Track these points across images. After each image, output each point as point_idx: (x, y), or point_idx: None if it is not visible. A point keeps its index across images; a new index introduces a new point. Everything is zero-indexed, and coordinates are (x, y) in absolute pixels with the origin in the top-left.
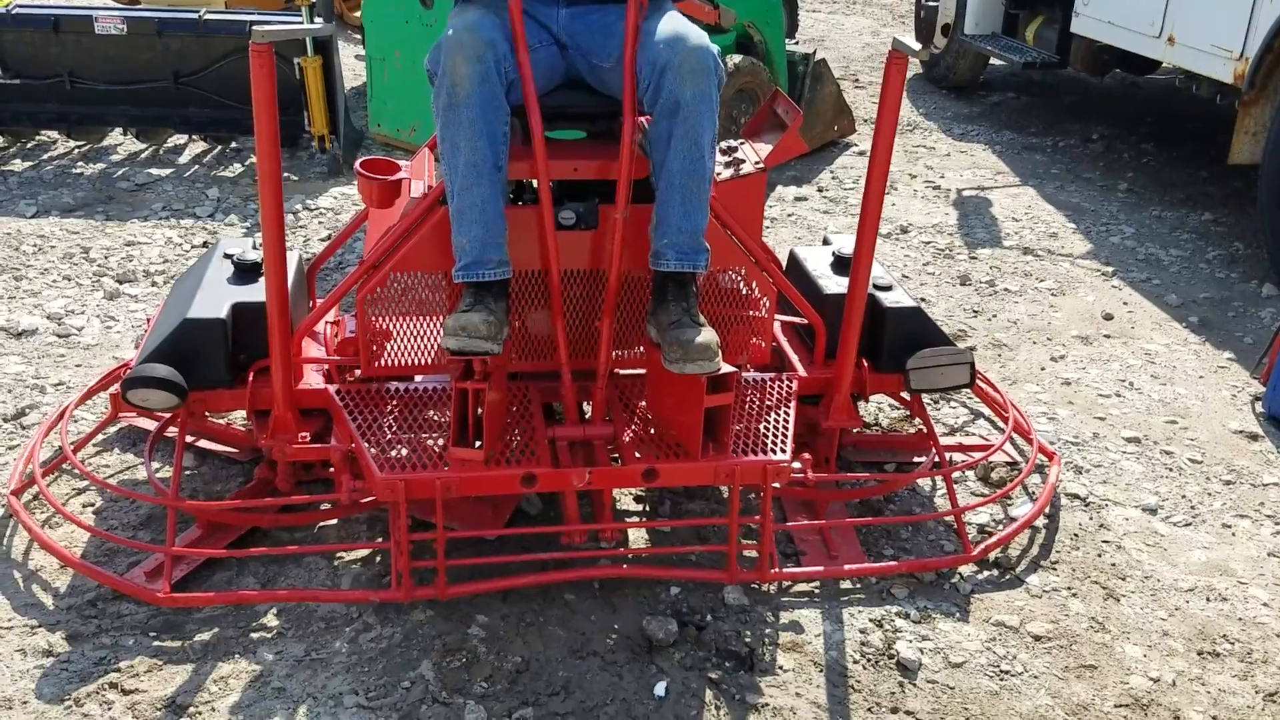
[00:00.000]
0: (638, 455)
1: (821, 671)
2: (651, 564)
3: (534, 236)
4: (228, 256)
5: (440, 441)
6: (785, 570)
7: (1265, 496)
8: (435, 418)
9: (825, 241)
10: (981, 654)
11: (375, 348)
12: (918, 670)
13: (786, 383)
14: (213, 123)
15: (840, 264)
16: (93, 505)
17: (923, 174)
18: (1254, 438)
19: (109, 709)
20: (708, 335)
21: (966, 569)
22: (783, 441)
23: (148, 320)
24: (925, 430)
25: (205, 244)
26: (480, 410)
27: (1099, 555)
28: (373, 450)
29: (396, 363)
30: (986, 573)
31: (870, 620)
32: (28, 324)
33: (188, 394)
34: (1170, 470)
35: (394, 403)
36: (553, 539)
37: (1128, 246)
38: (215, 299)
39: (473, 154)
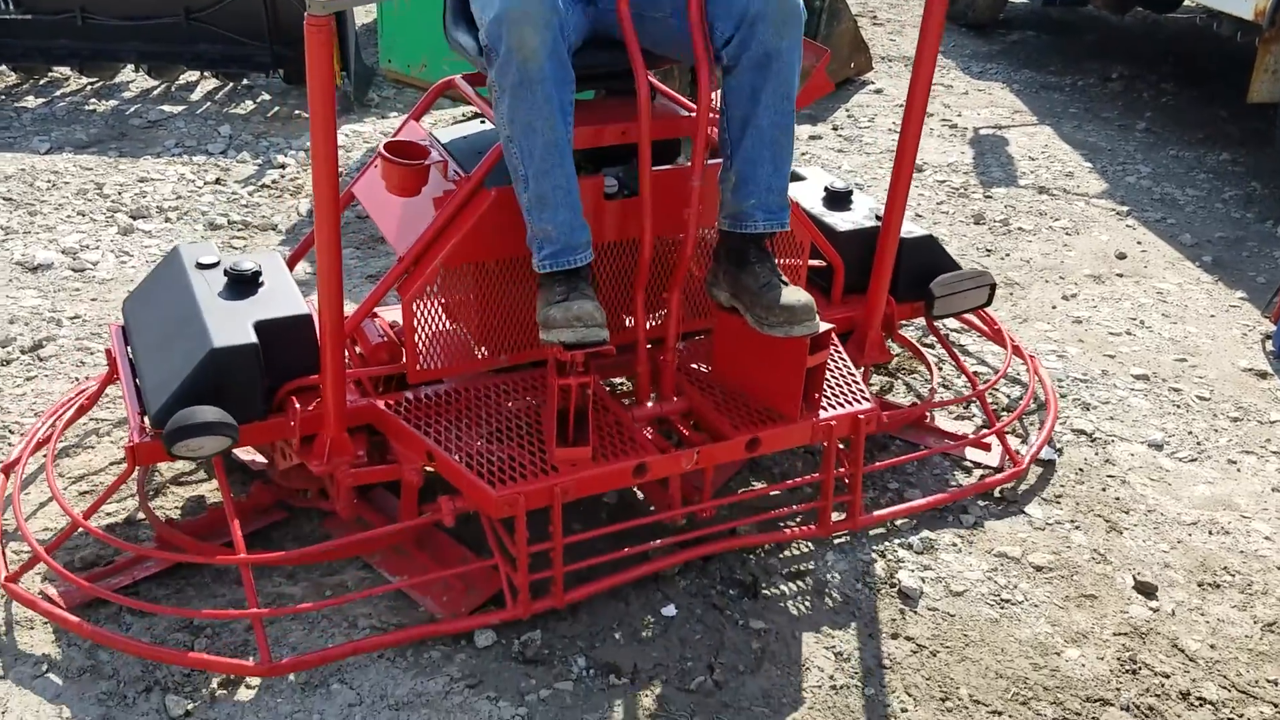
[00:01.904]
0: (734, 427)
1: (823, 599)
2: (752, 533)
3: (588, 210)
4: (205, 267)
5: (523, 444)
6: (873, 514)
7: (1272, 433)
8: (497, 418)
9: (795, 177)
10: (983, 583)
11: (426, 351)
12: (918, 598)
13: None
14: (225, 59)
15: (833, 198)
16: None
17: (939, 112)
18: (1263, 375)
19: None
20: (803, 295)
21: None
22: (859, 389)
23: (108, 353)
24: (950, 356)
25: (218, 180)
26: (582, 405)
27: (1103, 489)
28: (465, 463)
29: (445, 364)
30: (990, 505)
31: (874, 551)
32: (43, 258)
33: (238, 431)
34: (1178, 407)
35: (447, 408)
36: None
37: (1143, 186)
38: (230, 321)
39: (550, 134)
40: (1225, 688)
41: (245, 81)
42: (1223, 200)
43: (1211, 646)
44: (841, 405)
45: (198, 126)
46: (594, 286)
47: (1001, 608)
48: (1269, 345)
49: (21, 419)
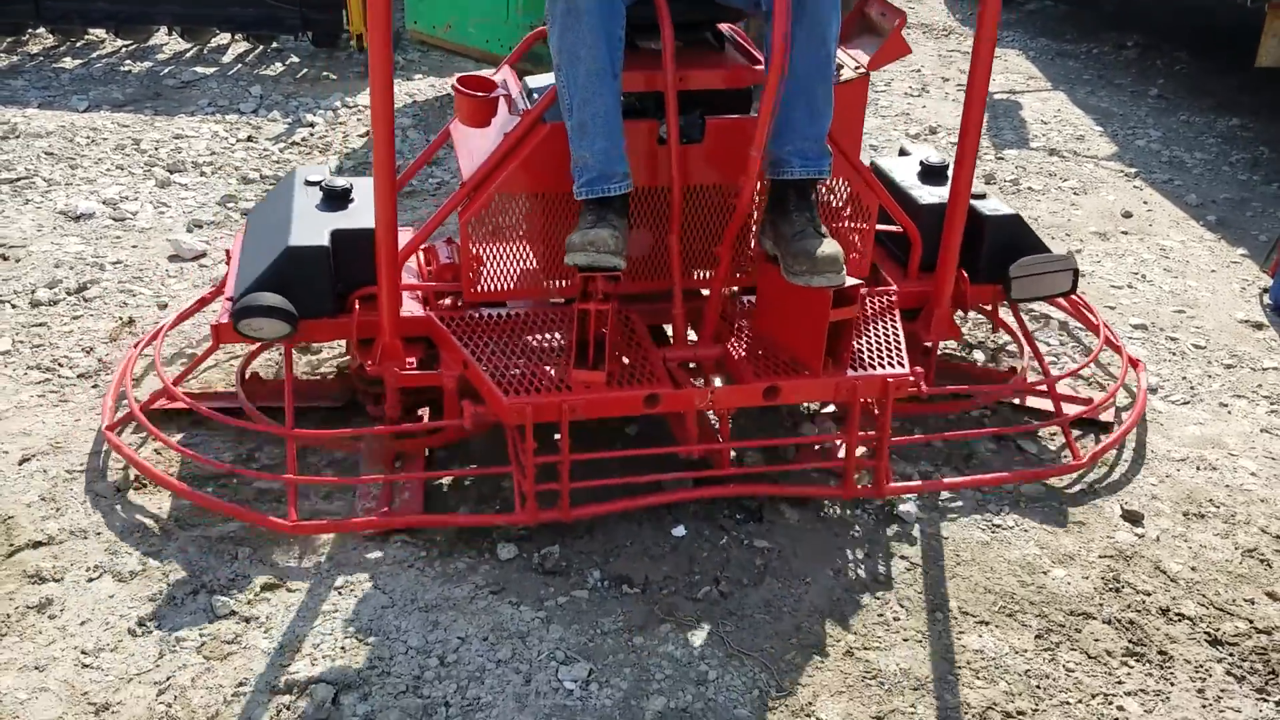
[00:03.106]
0: (755, 374)
1: (824, 523)
2: (768, 481)
3: (639, 152)
4: (311, 184)
5: (554, 365)
6: (900, 485)
7: (1264, 379)
8: (542, 341)
9: (902, 152)
10: (975, 511)
11: (478, 272)
12: (914, 523)
13: (889, 297)
14: (255, 22)
15: (929, 173)
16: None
17: (955, 78)
18: (1258, 326)
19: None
20: (833, 246)
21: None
22: (898, 354)
23: (227, 253)
24: (1023, 342)
25: (250, 138)
26: (602, 332)
27: (1096, 429)
28: (492, 375)
29: (499, 287)
30: (987, 442)
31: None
32: (85, 208)
33: (299, 322)
34: (1174, 354)
35: (498, 328)
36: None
37: (1153, 149)
38: (312, 226)
39: (594, 62)
40: (1203, 605)
41: (275, 44)
42: (1230, 163)
43: (1193, 569)
44: (873, 367)
45: (229, 87)
46: (625, 219)
47: (993, 532)
48: (1266, 299)
49: (70, 354)
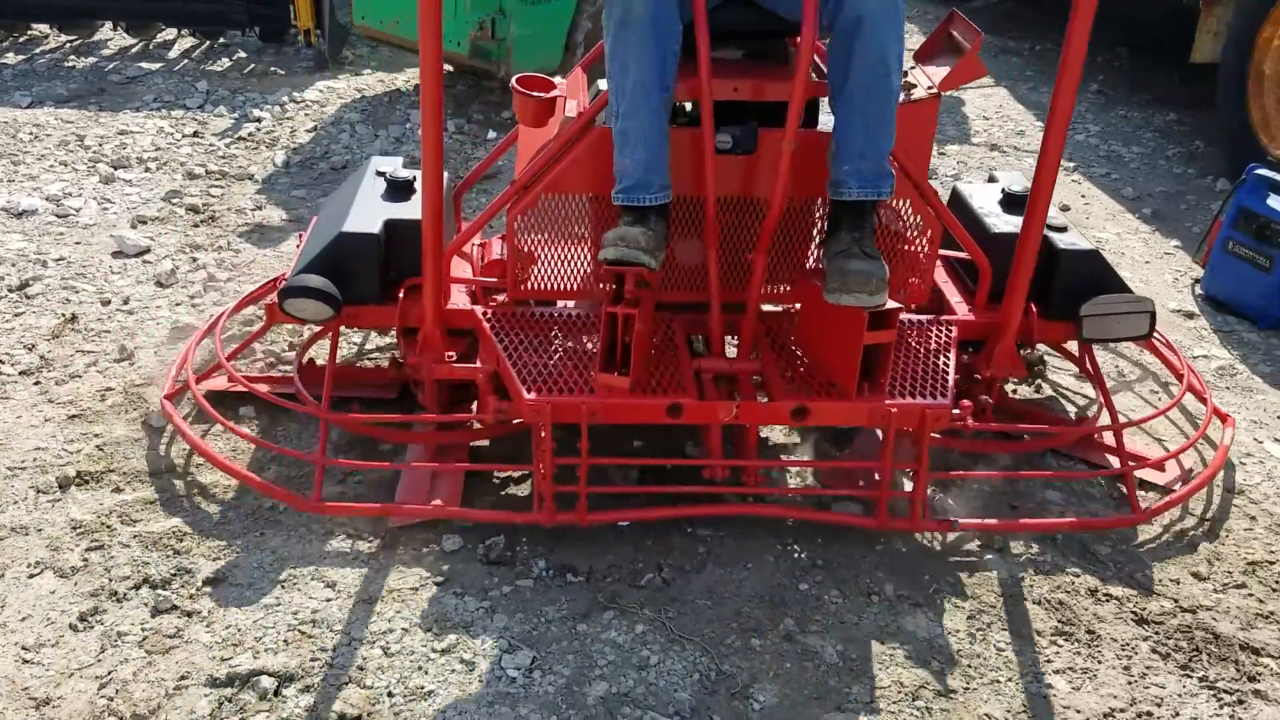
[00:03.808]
0: (787, 393)
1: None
2: (794, 505)
3: (689, 160)
4: (380, 174)
5: (586, 368)
6: (937, 520)
7: (1194, 367)
8: (581, 344)
9: (991, 179)
10: None
11: (523, 270)
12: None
13: (947, 326)
14: (202, 17)
15: (1010, 202)
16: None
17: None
18: (1190, 316)
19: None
20: (872, 266)
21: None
22: (943, 386)
23: (299, 236)
24: (1094, 381)
25: (196, 133)
26: (628, 337)
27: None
28: (519, 372)
29: (544, 286)
30: None
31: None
32: (27, 205)
33: (342, 306)
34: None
35: (540, 327)
36: (691, 472)
37: (1091, 144)
38: (369, 214)
39: (642, 74)
40: (1130, 586)
41: (222, 40)
42: (1166, 157)
43: (1122, 551)
44: (913, 395)
45: (175, 83)
46: (665, 224)
47: (922, 511)
48: (1198, 289)
49: (11, 351)
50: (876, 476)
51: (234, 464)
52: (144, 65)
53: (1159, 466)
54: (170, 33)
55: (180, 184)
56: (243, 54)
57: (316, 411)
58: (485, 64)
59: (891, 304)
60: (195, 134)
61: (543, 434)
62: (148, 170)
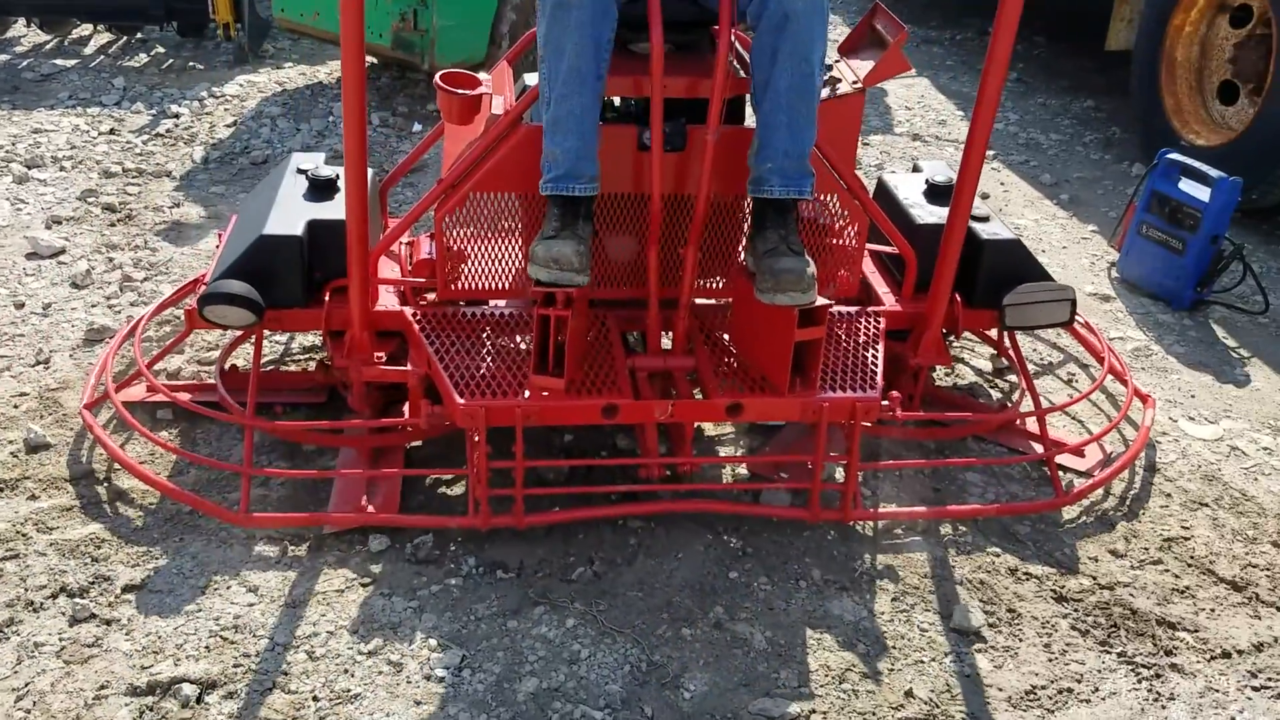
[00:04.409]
0: (721, 389)
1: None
2: (728, 499)
3: (621, 157)
4: (301, 172)
5: (519, 369)
6: (868, 510)
7: (1113, 347)
8: (513, 344)
9: (915, 169)
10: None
11: (453, 270)
12: (784, 503)
13: (875, 318)
14: (117, 12)
15: (934, 193)
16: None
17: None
18: (1106, 299)
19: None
20: (802, 264)
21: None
22: (872, 378)
23: (218, 234)
24: (1017, 368)
25: (112, 131)
26: (562, 338)
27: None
28: (451, 375)
29: (474, 286)
30: None
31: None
32: None
33: (264, 311)
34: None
35: (471, 327)
36: (625, 471)
37: (1010, 132)
38: (291, 215)
39: (577, 60)
40: (1049, 564)
41: (139, 35)
42: (1083, 144)
43: (1041, 531)
44: (843, 389)
45: (91, 79)
46: (591, 225)
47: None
48: (1114, 272)
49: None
50: (810, 466)
51: (158, 476)
52: (59, 62)
53: (1079, 452)
54: (86, 29)
55: (96, 182)
56: (160, 49)
57: (242, 419)
58: (408, 56)
59: (821, 300)
60: (112, 131)
61: (476, 439)
62: (63, 169)
